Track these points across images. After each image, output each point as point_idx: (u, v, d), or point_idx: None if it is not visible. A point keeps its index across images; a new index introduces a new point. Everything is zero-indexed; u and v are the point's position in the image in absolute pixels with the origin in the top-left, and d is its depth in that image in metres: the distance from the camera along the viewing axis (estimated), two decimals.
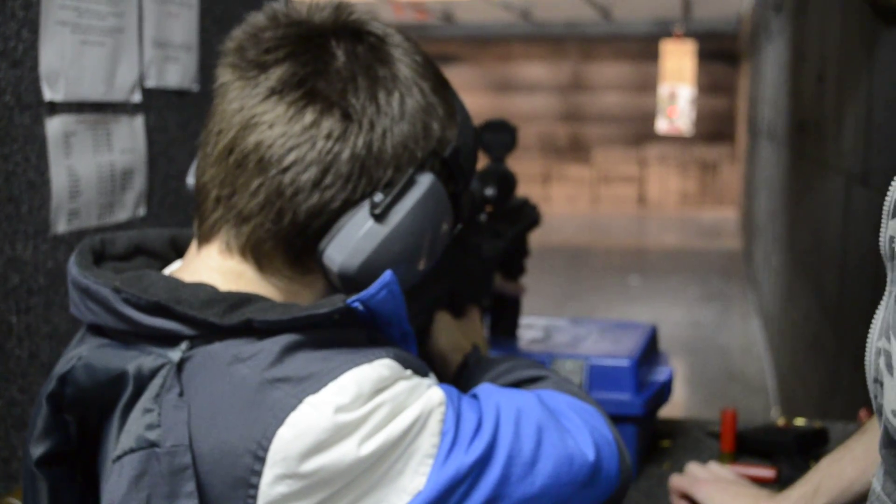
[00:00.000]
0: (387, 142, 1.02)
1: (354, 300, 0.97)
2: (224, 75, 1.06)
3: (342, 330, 0.98)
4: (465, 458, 0.96)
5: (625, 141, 14.27)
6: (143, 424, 0.94)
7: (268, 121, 1.00)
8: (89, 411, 1.01)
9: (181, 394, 0.94)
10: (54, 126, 1.41)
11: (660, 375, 1.74)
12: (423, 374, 1.02)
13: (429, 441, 0.95)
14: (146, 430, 0.93)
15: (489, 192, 1.49)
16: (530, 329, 1.86)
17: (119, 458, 0.94)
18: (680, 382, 6.49)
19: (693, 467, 1.54)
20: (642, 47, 13.48)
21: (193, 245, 1.07)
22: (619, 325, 1.88)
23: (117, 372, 0.97)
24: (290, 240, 1.01)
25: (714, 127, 13.66)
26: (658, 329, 1.90)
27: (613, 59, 14.20)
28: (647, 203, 14.11)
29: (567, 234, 12.38)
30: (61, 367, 1.01)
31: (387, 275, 0.98)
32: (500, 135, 1.65)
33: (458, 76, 14.53)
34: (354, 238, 1.00)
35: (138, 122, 1.62)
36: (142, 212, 1.64)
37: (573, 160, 14.41)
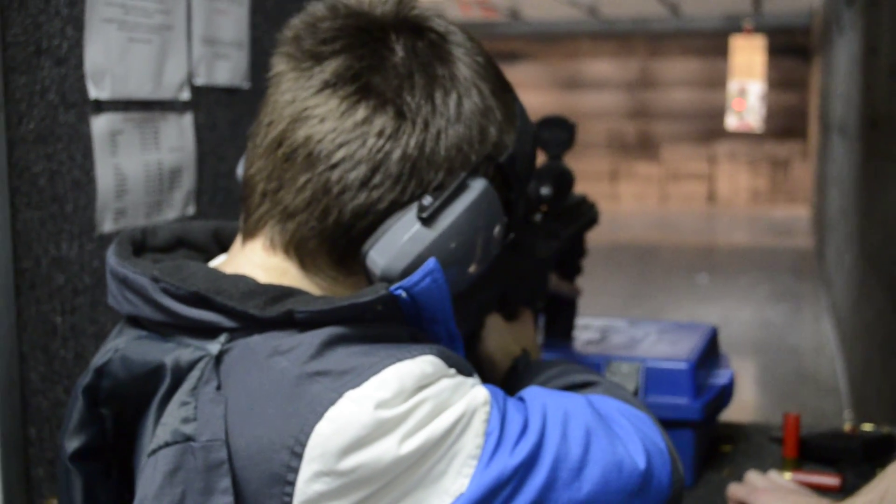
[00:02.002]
0: (440, 143, 0.98)
1: (397, 287, 0.94)
2: (279, 65, 1.03)
3: (385, 325, 0.95)
4: (509, 460, 0.92)
5: (694, 138, 14.09)
6: (179, 418, 0.91)
7: (319, 115, 0.98)
8: (126, 405, 0.99)
9: (219, 387, 0.92)
10: (100, 124, 1.39)
11: (720, 378, 1.68)
12: (468, 374, 0.98)
13: (472, 441, 0.91)
14: (182, 423, 0.91)
15: (545, 191, 1.45)
16: (586, 330, 1.81)
17: (154, 451, 0.92)
18: (749, 384, 6.38)
19: (752, 476, 1.48)
20: (711, 43, 13.30)
21: (238, 239, 1.05)
22: (678, 327, 1.82)
23: (155, 364, 0.95)
24: (335, 239, 0.98)
25: (785, 123, 13.43)
26: (719, 330, 1.84)
27: (682, 55, 14.04)
28: (717, 200, 13.93)
29: (635, 232, 12.26)
30: (98, 359, 0.99)
31: (430, 262, 0.95)
32: (558, 131, 1.61)
33: (525, 74, 14.47)
34: (399, 241, 0.97)
35: (187, 120, 1.61)
36: (191, 210, 1.63)
37: (642, 157, 14.27)
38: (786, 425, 1.64)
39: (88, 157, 1.38)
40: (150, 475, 0.91)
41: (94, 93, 1.38)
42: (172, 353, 0.95)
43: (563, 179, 1.56)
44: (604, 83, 14.43)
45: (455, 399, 0.92)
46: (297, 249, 0.99)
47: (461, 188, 0.99)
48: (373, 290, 0.94)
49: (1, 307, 1.22)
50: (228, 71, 1.73)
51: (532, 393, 1.02)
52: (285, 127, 0.99)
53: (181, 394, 0.93)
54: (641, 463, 1.00)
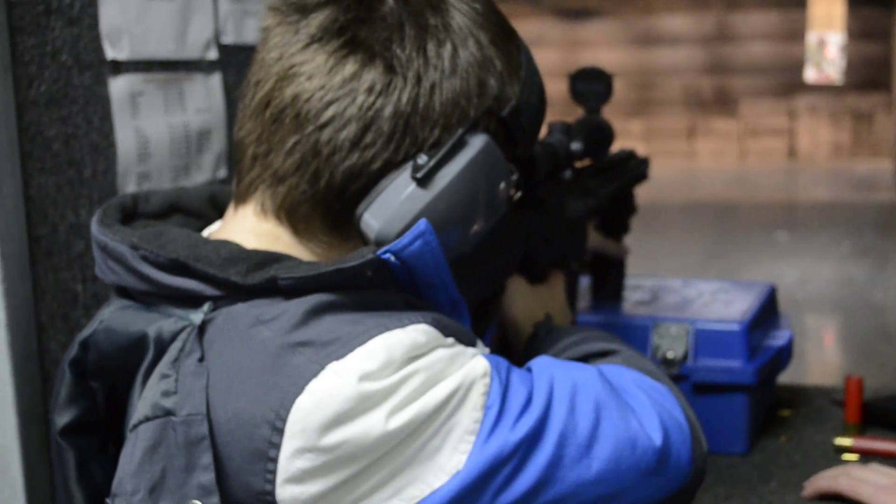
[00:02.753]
0: (434, 98, 0.92)
1: (385, 251, 0.88)
2: (266, 19, 0.98)
3: (377, 292, 0.89)
4: (510, 435, 0.86)
5: (773, 92, 13.74)
6: (160, 391, 0.87)
7: (307, 72, 0.92)
8: (116, 377, 0.95)
9: (201, 358, 0.87)
10: (119, 86, 1.35)
11: (777, 340, 1.60)
12: (469, 343, 0.92)
13: (470, 416, 0.85)
14: (162, 397, 0.87)
15: (575, 146, 1.37)
16: (637, 290, 1.74)
17: (134, 427, 0.88)
18: (832, 342, 6.22)
19: (857, 470, 1.31)
20: None
21: (231, 205, 1.00)
22: (734, 286, 1.74)
23: (138, 335, 0.91)
24: (328, 203, 0.93)
25: (867, 75, 13.02)
26: (776, 289, 1.75)
27: (759, 7, 13.67)
28: (798, 156, 13.59)
29: (713, 190, 12.03)
30: (84, 331, 0.95)
31: (420, 224, 0.88)
32: (594, 84, 1.53)
33: (598, 31, 14.24)
34: (394, 203, 0.91)
35: (215, 80, 1.56)
36: (222, 173, 1.58)
37: (719, 113, 13.96)
38: (847, 389, 1.56)
39: (107, 119, 1.33)
40: (130, 452, 0.87)
41: (110, 53, 1.33)
42: (155, 323, 0.91)
43: (600, 134, 1.48)
44: (679, 38, 14.13)
45: (451, 370, 0.86)
46: (289, 214, 0.94)
47: (459, 145, 0.93)
48: (359, 253, 0.88)
49: (15, 276, 1.18)
50: (258, 29, 1.67)
51: (540, 363, 0.95)
52: (272, 86, 0.93)
53: (162, 366, 0.89)
54: (658, 439, 0.93)
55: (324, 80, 0.91)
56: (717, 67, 14.07)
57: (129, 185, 1.37)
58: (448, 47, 0.94)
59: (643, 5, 14.09)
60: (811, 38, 10.07)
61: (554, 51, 14.09)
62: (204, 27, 1.52)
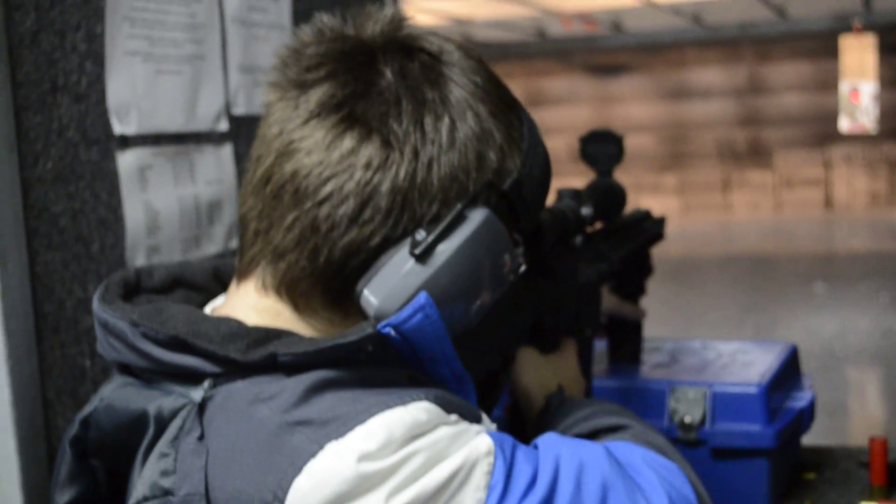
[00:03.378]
0: (432, 173, 0.91)
1: (384, 325, 0.87)
2: (267, 95, 0.98)
3: (379, 368, 0.88)
4: None
5: (807, 142, 13.67)
6: (159, 470, 0.86)
7: (306, 147, 0.92)
8: (117, 456, 0.94)
9: (201, 437, 0.86)
10: (127, 160, 1.36)
11: (798, 401, 1.57)
12: (473, 419, 0.91)
13: (473, 496, 0.83)
14: (161, 476, 0.86)
15: (586, 211, 1.36)
16: (656, 353, 1.72)
17: None
18: (872, 396, 6.12)
19: None
20: (820, 44, 12.90)
21: (234, 280, 0.99)
22: (754, 346, 1.72)
23: (138, 413, 0.91)
24: (327, 279, 0.92)
25: None
26: (798, 349, 1.72)
27: (791, 58, 13.66)
28: (834, 206, 13.48)
29: (749, 243, 11.94)
30: (85, 409, 0.95)
31: (420, 297, 0.87)
32: (605, 146, 1.52)
33: (630, 86, 14.27)
34: (394, 279, 0.90)
35: (226, 151, 1.57)
36: (234, 244, 1.59)
37: (754, 165, 13.90)
38: (872, 450, 1.52)
39: (115, 194, 1.34)
40: None
41: (118, 128, 1.34)
42: (156, 400, 0.90)
43: (610, 197, 1.47)
44: (711, 91, 14.12)
45: (453, 449, 0.84)
46: (289, 291, 0.93)
47: (458, 220, 0.92)
48: (358, 328, 0.87)
49: (20, 352, 1.19)
50: (262, 104, 1.68)
51: (546, 441, 0.93)
52: (273, 161, 0.93)
53: (161, 444, 0.88)
54: None
55: (322, 156, 0.91)
56: (751, 119, 14.04)
57: (138, 259, 1.37)
58: (446, 121, 0.93)
59: (674, 59, 14.12)
60: (844, 87, 10.01)
61: (585, 107, 14.14)
62: (214, 99, 1.54)
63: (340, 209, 0.90)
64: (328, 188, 0.91)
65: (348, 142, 0.91)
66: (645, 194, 13.06)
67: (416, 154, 0.91)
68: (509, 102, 1.00)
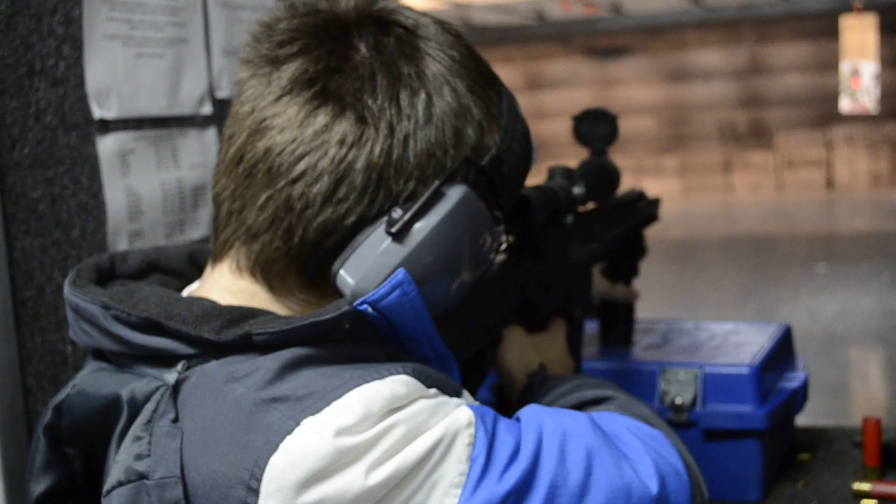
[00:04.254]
0: (409, 149, 0.90)
1: (361, 302, 0.85)
2: (239, 72, 0.97)
3: (356, 345, 0.87)
4: (497, 487, 0.83)
5: (808, 123, 13.65)
6: (133, 454, 0.85)
7: (278, 125, 0.90)
8: (91, 442, 0.93)
9: (175, 419, 0.85)
10: (107, 145, 1.34)
11: (791, 382, 1.56)
12: (453, 394, 0.89)
13: (455, 468, 0.82)
14: (135, 460, 0.85)
15: (577, 190, 1.34)
16: (648, 334, 1.70)
17: (108, 492, 0.86)
18: (874, 376, 6.11)
19: None
20: (821, 24, 12.85)
21: (209, 263, 0.98)
22: (746, 327, 1.70)
23: (111, 398, 0.90)
24: (302, 260, 0.91)
25: None
26: (792, 329, 1.71)
27: (791, 39, 13.61)
28: (836, 187, 13.46)
29: (751, 224, 11.93)
30: (57, 396, 0.94)
31: (398, 273, 0.86)
32: (598, 125, 1.49)
33: (630, 68, 14.23)
34: (370, 258, 0.88)
35: (210, 134, 1.55)
36: None
37: (755, 146, 13.88)
38: (865, 431, 1.51)
39: (95, 179, 1.32)
40: None
41: (98, 112, 1.32)
42: (129, 384, 0.89)
43: (603, 177, 1.45)
44: (712, 73, 14.09)
45: (433, 422, 0.83)
46: (264, 272, 0.92)
47: (435, 197, 0.90)
48: (335, 306, 0.86)
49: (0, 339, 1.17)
50: (233, 82, 1.67)
51: (529, 412, 0.92)
52: (245, 140, 0.92)
53: (135, 428, 0.87)
54: (654, 487, 0.90)
55: (295, 133, 0.90)
56: (752, 100, 14.01)
57: (120, 244, 1.35)
58: (422, 96, 0.92)
59: (675, 41, 14.08)
60: (844, 68, 9.97)
61: (586, 89, 14.11)
62: (197, 83, 1.52)
63: (314, 187, 0.89)
64: (301, 166, 0.89)
65: (322, 118, 0.89)
66: (646, 176, 13.03)
67: (391, 130, 0.90)
68: (488, 78, 0.99)
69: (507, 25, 13.40)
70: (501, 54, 13.58)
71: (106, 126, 1.34)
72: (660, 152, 13.86)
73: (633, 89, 14.13)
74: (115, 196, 1.35)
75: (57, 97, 1.27)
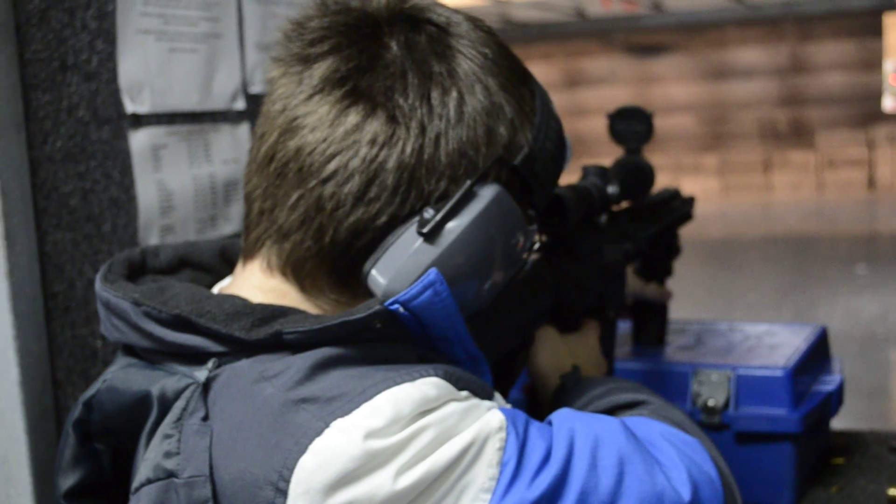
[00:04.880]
0: (440, 148, 0.89)
1: (392, 301, 0.84)
2: (270, 70, 0.96)
3: (388, 346, 0.86)
4: (528, 492, 0.82)
5: (850, 122, 13.51)
6: (162, 452, 0.85)
7: (310, 124, 0.90)
8: (121, 438, 0.93)
9: (206, 417, 0.85)
10: (139, 139, 1.34)
11: (826, 385, 1.54)
12: (485, 397, 0.88)
13: (485, 472, 0.81)
14: (164, 458, 0.85)
15: (612, 189, 1.33)
16: (682, 335, 1.69)
17: (137, 489, 0.86)
18: None
19: None
20: (864, 22, 12.73)
21: (240, 260, 0.98)
22: (781, 329, 1.68)
23: (141, 394, 0.89)
24: (333, 260, 0.90)
25: None
26: (828, 331, 1.68)
27: (834, 37, 13.47)
28: (878, 186, 13.31)
29: (791, 224, 11.82)
30: (88, 391, 0.94)
31: (431, 273, 0.85)
32: (634, 123, 1.48)
33: (671, 66, 14.15)
34: (401, 258, 0.88)
35: (243, 130, 1.55)
36: None
37: (795, 145, 13.75)
38: None
39: (127, 173, 1.32)
40: None
41: (130, 107, 1.32)
42: (159, 381, 0.89)
43: (637, 175, 1.43)
44: (753, 71, 13.97)
45: (464, 425, 0.82)
46: (295, 271, 0.92)
47: (467, 196, 0.89)
48: (366, 305, 0.85)
49: (29, 333, 1.17)
50: (265, 81, 1.66)
51: (561, 416, 0.91)
52: (276, 139, 0.91)
53: (165, 426, 0.87)
54: (686, 494, 0.88)
55: (326, 133, 0.89)
56: (793, 99, 13.88)
57: (151, 239, 1.36)
58: (454, 95, 0.91)
59: (715, 39, 13.98)
60: (888, 66, 9.87)
61: (626, 87, 14.04)
62: (231, 77, 1.52)
63: (346, 187, 0.88)
64: (333, 165, 0.89)
65: (353, 117, 0.89)
66: (685, 175, 12.95)
67: (422, 129, 0.89)
68: (520, 75, 0.97)
69: (546, 22, 13.36)
70: (541, 51, 13.55)
71: (138, 121, 1.34)
72: (699, 151, 13.77)
73: (672, 87, 14.05)
74: (146, 191, 1.35)
75: (89, 92, 1.27)
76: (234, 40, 1.53)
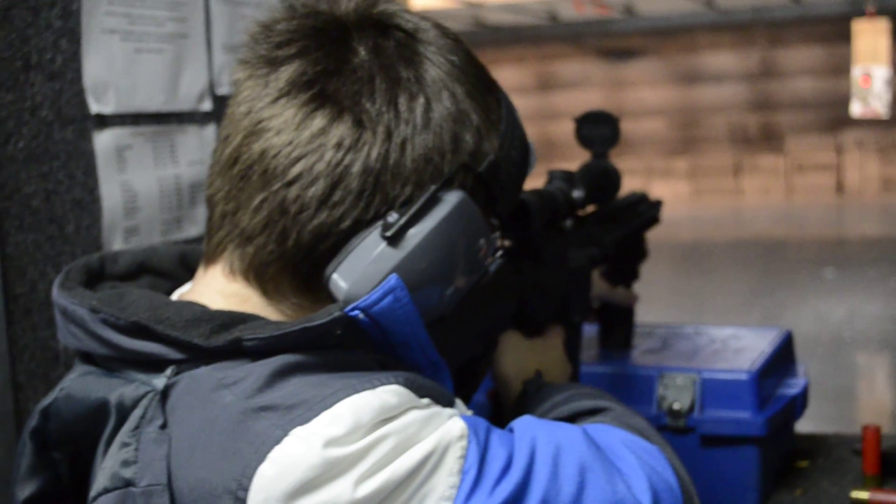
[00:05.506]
0: (406, 154, 0.89)
1: (353, 308, 0.84)
2: (236, 72, 0.96)
3: (348, 353, 0.86)
4: (488, 500, 0.81)
5: (819, 127, 13.60)
6: (119, 461, 0.84)
7: (275, 127, 0.89)
8: (79, 447, 0.92)
9: (164, 425, 0.84)
10: (104, 140, 1.34)
11: (790, 388, 1.54)
12: (446, 404, 0.88)
13: (446, 481, 0.81)
14: (122, 466, 0.83)
15: (577, 194, 1.33)
16: (648, 338, 1.69)
17: (94, 499, 0.84)
18: (881, 382, 6.09)
19: None
20: (833, 28, 12.80)
21: (201, 265, 0.97)
22: (747, 332, 1.69)
23: (98, 402, 0.88)
24: (296, 263, 0.89)
25: None
26: (793, 335, 1.69)
27: (803, 42, 13.57)
28: (846, 191, 13.42)
29: (760, 228, 11.90)
30: (45, 399, 0.93)
31: (391, 279, 0.85)
32: (600, 128, 1.48)
33: (642, 70, 14.20)
34: (364, 262, 0.87)
35: (209, 131, 1.54)
36: None
37: (765, 150, 13.84)
38: (864, 438, 1.49)
39: (91, 174, 1.32)
40: None
41: (95, 107, 1.32)
42: (117, 389, 0.88)
43: (603, 180, 1.44)
44: (723, 76, 14.05)
45: (425, 434, 0.82)
46: (258, 275, 0.91)
47: (432, 202, 0.89)
48: (326, 311, 0.85)
49: None
50: (230, 82, 1.66)
51: (522, 424, 0.91)
52: (240, 141, 0.91)
53: (122, 434, 0.85)
54: (646, 501, 0.89)
55: (292, 136, 0.89)
56: (763, 104, 13.97)
57: (115, 240, 1.35)
58: (420, 101, 0.91)
59: (687, 43, 14.05)
60: (856, 72, 9.93)
61: (598, 91, 14.08)
62: (197, 79, 1.51)
63: (310, 190, 0.88)
64: (297, 168, 0.88)
65: (319, 121, 0.88)
66: (656, 179, 13.00)
67: (389, 134, 0.89)
68: (487, 83, 0.98)
69: (519, 25, 13.38)
70: (514, 54, 13.57)
71: (103, 121, 1.34)
72: (670, 155, 13.83)
73: (644, 91, 14.10)
74: (110, 192, 1.34)
75: (53, 91, 1.26)
76: (202, 41, 1.52)
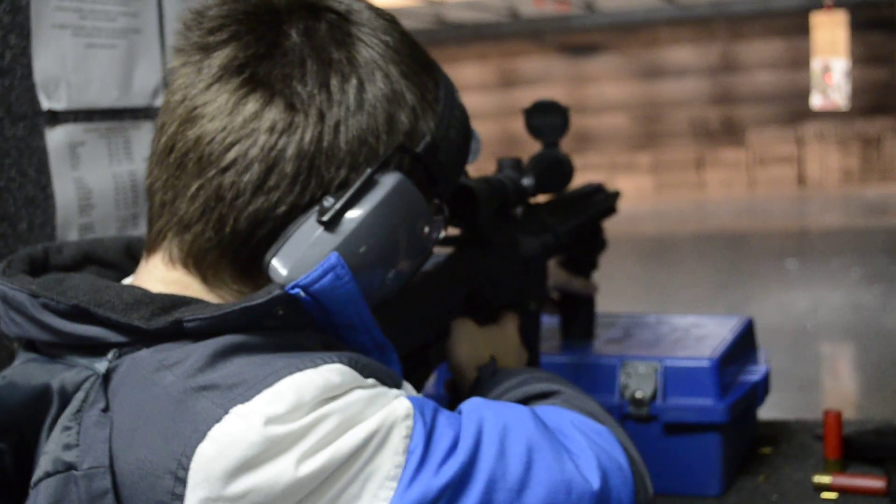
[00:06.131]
0: (340, 136, 0.88)
1: (293, 285, 0.84)
2: (171, 61, 0.95)
3: (291, 333, 0.86)
4: (434, 480, 0.81)
5: (780, 120, 13.72)
6: (61, 444, 0.83)
7: (209, 113, 0.89)
8: (22, 435, 0.90)
9: (106, 408, 0.83)
10: (56, 137, 1.32)
11: (752, 375, 1.55)
12: (393, 385, 0.88)
13: (391, 460, 0.81)
14: (63, 450, 0.83)
15: (527, 182, 1.33)
16: (610, 328, 1.69)
17: (36, 484, 0.84)
18: (844, 370, 6.15)
19: None
20: (793, 22, 12.92)
21: (144, 254, 0.96)
22: (709, 320, 1.69)
23: (40, 388, 0.87)
24: (235, 250, 0.89)
25: (873, 100, 12.98)
26: (754, 322, 1.70)
27: (763, 36, 13.68)
28: (807, 183, 13.54)
29: (723, 220, 11.98)
30: None
31: (331, 257, 0.85)
32: (550, 117, 1.47)
33: (603, 66, 14.26)
34: (302, 247, 0.87)
35: None
36: None
37: (727, 143, 13.94)
38: (826, 424, 1.50)
39: (44, 171, 1.30)
40: None
41: (46, 104, 1.30)
42: (59, 374, 0.87)
43: (554, 169, 1.43)
44: (684, 70, 14.14)
45: (369, 413, 0.81)
46: (197, 263, 0.90)
47: (368, 185, 0.89)
48: (266, 290, 0.84)
49: None
50: (165, 71, 1.64)
51: (470, 405, 0.91)
52: (176, 129, 0.90)
53: (64, 418, 0.85)
54: (595, 482, 0.89)
55: (225, 121, 0.88)
56: (724, 97, 14.07)
57: (70, 238, 1.33)
58: (353, 82, 0.90)
59: (647, 38, 14.12)
60: (816, 64, 10.01)
61: (560, 86, 14.12)
62: (151, 74, 1.49)
63: (245, 176, 0.87)
64: (232, 154, 0.88)
65: (251, 105, 0.88)
66: (619, 173, 13.06)
67: (321, 117, 0.88)
68: (423, 64, 0.97)
69: (480, 22, 13.39)
70: (475, 51, 13.58)
71: (55, 117, 1.32)
72: (632, 150, 13.89)
73: (606, 86, 14.16)
74: (64, 189, 1.32)
75: (3, 88, 1.24)
76: (155, 35, 1.50)
